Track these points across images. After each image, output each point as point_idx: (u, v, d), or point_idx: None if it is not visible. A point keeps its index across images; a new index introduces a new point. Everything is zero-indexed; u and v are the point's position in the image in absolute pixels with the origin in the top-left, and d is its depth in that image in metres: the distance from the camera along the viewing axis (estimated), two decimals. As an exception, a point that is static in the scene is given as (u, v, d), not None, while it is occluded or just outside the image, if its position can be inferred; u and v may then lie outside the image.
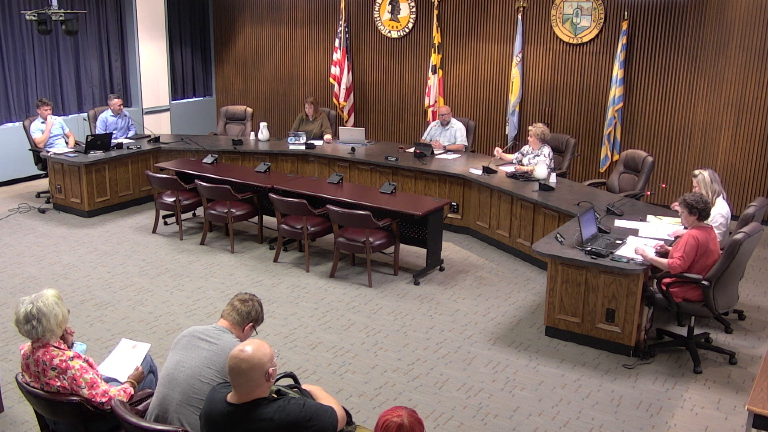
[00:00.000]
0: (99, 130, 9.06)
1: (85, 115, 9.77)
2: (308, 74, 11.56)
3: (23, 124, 9.00)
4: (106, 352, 4.44)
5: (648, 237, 5.57)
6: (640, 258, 5.04)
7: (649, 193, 7.00)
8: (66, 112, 10.25)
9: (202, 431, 2.94)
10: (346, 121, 10.89)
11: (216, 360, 3.16)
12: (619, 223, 5.91)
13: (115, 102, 9.19)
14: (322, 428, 2.84)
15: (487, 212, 7.50)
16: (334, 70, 10.80)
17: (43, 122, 8.77)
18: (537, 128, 7.56)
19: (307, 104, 9.45)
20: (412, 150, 8.61)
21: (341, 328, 5.61)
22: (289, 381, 3.18)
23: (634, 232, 5.67)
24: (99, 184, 8.38)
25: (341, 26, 10.63)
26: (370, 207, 6.48)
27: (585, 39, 9.20)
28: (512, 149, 8.65)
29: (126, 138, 9.24)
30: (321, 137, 9.28)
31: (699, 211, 4.91)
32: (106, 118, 9.19)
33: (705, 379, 4.88)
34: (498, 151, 8.04)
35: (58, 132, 8.86)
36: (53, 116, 8.91)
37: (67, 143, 8.83)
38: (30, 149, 8.94)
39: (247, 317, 3.34)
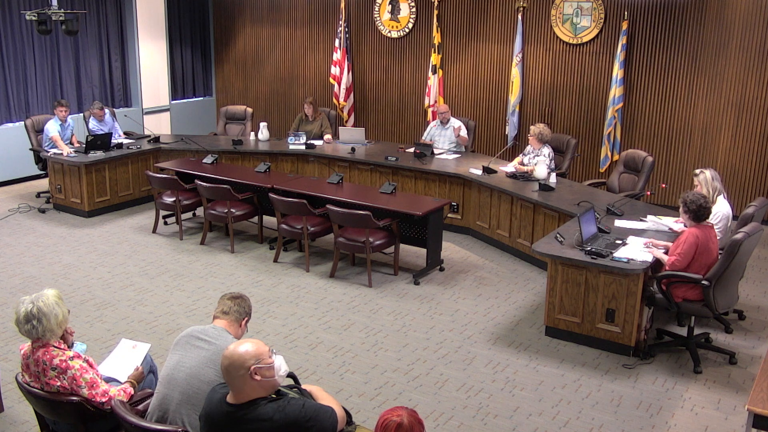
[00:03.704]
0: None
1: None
2: (308, 74, 11.56)
3: (24, 123, 8.99)
4: (106, 352, 4.44)
5: (653, 230, 5.65)
6: (640, 258, 5.04)
7: (649, 193, 7.00)
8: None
9: (202, 428, 2.94)
10: (346, 121, 10.89)
11: (216, 360, 3.15)
12: (619, 223, 5.91)
13: (98, 113, 9.11)
14: (322, 428, 2.84)
15: (487, 212, 7.50)
16: (334, 70, 10.80)
17: (60, 123, 8.73)
18: (536, 128, 7.57)
19: (306, 104, 9.45)
20: (412, 150, 8.61)
21: (341, 328, 5.61)
22: (289, 381, 3.18)
23: (636, 231, 5.67)
24: (99, 184, 8.38)
25: (341, 26, 10.63)
26: (370, 207, 6.48)
27: (585, 39, 9.20)
28: (513, 149, 8.64)
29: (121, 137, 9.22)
30: (321, 137, 9.29)
31: (692, 212, 4.91)
32: (99, 128, 9.08)
33: (705, 379, 4.88)
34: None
35: (69, 136, 8.84)
36: (71, 117, 8.93)
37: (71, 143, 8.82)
38: (30, 149, 8.93)
39: (242, 314, 3.42)
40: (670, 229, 5.69)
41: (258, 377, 2.78)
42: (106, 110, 9.27)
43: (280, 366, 2.89)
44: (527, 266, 6.96)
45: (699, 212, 4.91)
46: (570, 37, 9.27)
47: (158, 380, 3.31)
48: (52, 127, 8.58)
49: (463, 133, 8.58)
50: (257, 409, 2.79)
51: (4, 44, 9.60)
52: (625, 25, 8.78)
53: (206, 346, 3.22)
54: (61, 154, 8.29)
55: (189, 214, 8.33)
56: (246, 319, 3.43)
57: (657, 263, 5.14)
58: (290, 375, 3.22)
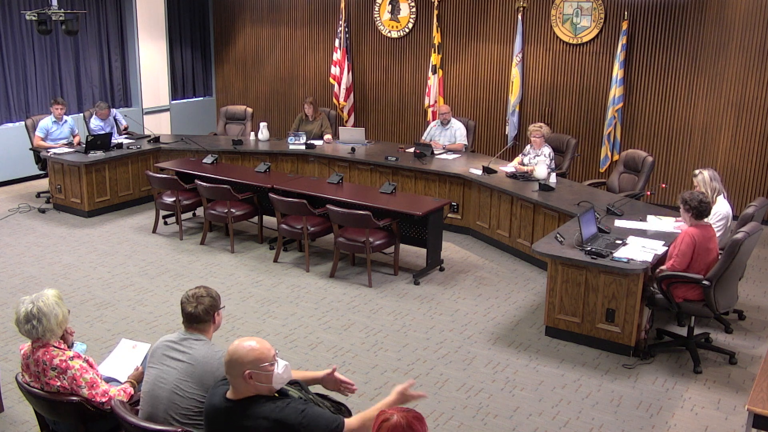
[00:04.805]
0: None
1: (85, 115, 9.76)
2: (308, 74, 11.56)
3: (24, 123, 9.00)
4: (106, 352, 4.44)
5: (654, 230, 5.68)
6: (640, 258, 5.04)
7: (649, 193, 7.00)
8: (66, 112, 10.22)
9: (204, 427, 2.95)
10: (346, 121, 10.89)
11: (192, 371, 3.11)
12: (619, 223, 5.91)
13: (104, 113, 9.14)
14: None
15: (487, 212, 7.50)
16: (334, 70, 10.80)
17: (55, 121, 8.76)
18: (542, 128, 7.58)
19: (306, 104, 9.45)
20: (412, 150, 8.61)
21: (341, 328, 5.61)
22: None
23: (636, 231, 5.67)
24: (99, 184, 8.38)
25: (341, 26, 10.63)
26: (370, 207, 6.48)
27: (585, 39, 9.20)
28: (513, 149, 8.63)
29: (121, 137, 9.22)
30: (321, 137, 9.29)
31: (693, 208, 4.91)
32: (99, 125, 9.11)
33: (705, 379, 4.88)
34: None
35: (65, 135, 8.86)
36: (67, 116, 8.97)
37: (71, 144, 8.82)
38: (30, 149, 8.94)
39: (209, 311, 3.24)
40: (676, 219, 5.69)
41: (252, 381, 2.77)
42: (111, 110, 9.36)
43: (282, 374, 2.82)
44: (527, 266, 6.96)
45: (701, 208, 4.91)
46: (570, 37, 9.27)
47: (141, 398, 3.25)
48: (41, 126, 8.70)
49: (459, 140, 8.65)
50: (255, 406, 2.78)
51: (4, 44, 9.60)
52: (625, 25, 8.78)
53: (181, 357, 3.15)
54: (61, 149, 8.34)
55: (189, 214, 8.33)
56: (215, 313, 3.26)
57: (657, 263, 5.14)
58: (295, 381, 3.15)
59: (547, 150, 7.56)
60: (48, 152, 8.41)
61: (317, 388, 3.39)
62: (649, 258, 5.07)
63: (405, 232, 6.94)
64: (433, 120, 9.51)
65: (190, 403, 3.08)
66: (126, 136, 9.41)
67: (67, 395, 3.28)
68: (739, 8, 8.17)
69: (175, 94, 11.84)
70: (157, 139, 9.12)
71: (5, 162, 9.66)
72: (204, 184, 7.28)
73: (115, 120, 9.42)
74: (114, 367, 3.78)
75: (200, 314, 3.20)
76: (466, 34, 10.04)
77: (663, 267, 5.04)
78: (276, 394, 2.87)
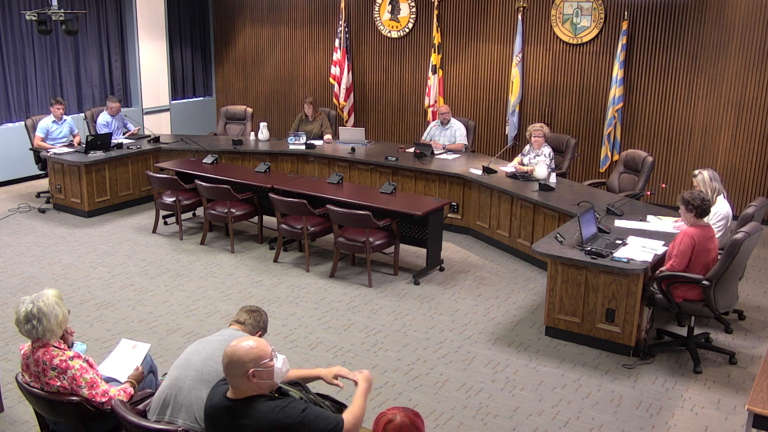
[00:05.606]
0: (102, 132, 9.05)
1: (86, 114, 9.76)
2: (308, 74, 11.56)
3: (24, 123, 9.00)
4: (106, 352, 4.44)
5: (654, 230, 5.67)
6: (640, 258, 5.04)
7: (649, 193, 7.00)
8: (66, 112, 10.20)
9: (205, 426, 2.95)
10: (346, 121, 10.89)
11: (227, 344, 3.19)
12: (619, 223, 5.91)
13: (115, 106, 9.17)
14: None
15: (487, 212, 7.51)
16: (334, 70, 10.80)
17: (55, 121, 8.78)
18: (543, 128, 7.58)
19: (306, 104, 9.45)
20: (412, 150, 8.62)
21: (341, 328, 5.61)
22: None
23: (636, 231, 5.67)
24: (99, 184, 8.38)
25: (341, 26, 10.63)
26: (370, 207, 6.48)
27: (585, 39, 9.19)
28: (513, 149, 8.62)
29: (123, 137, 9.22)
30: (321, 137, 9.29)
31: (695, 208, 4.91)
32: (106, 121, 9.16)
33: (705, 379, 4.88)
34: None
35: (65, 134, 8.86)
36: (66, 115, 8.98)
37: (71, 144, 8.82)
38: (30, 149, 8.94)
39: (257, 327, 3.46)
40: (676, 220, 5.69)
41: (255, 380, 2.78)
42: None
43: (281, 368, 2.86)
44: (527, 266, 6.96)
45: (703, 206, 4.92)
46: (570, 37, 9.27)
47: (172, 366, 3.33)
48: (41, 126, 8.73)
49: (459, 140, 8.65)
50: (254, 405, 2.79)
51: (4, 44, 9.60)
52: (625, 25, 8.78)
53: (218, 338, 3.31)
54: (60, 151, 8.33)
55: (189, 214, 8.33)
56: (260, 333, 3.46)
57: (657, 263, 5.14)
58: (297, 383, 3.17)
59: (547, 150, 7.56)
60: (48, 152, 8.41)
61: (317, 388, 3.40)
62: (649, 258, 5.07)
63: (405, 232, 6.94)
64: (433, 120, 9.51)
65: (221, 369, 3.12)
66: (128, 136, 9.40)
67: (67, 395, 3.28)
68: (739, 8, 8.17)
69: (175, 94, 11.83)
70: (157, 139, 9.12)
71: (5, 162, 9.66)
72: (204, 184, 7.28)
73: (124, 123, 9.44)
74: (114, 367, 3.78)
75: (252, 322, 3.45)
76: (466, 34, 10.04)
77: (663, 268, 5.05)
78: (276, 395, 2.88)
